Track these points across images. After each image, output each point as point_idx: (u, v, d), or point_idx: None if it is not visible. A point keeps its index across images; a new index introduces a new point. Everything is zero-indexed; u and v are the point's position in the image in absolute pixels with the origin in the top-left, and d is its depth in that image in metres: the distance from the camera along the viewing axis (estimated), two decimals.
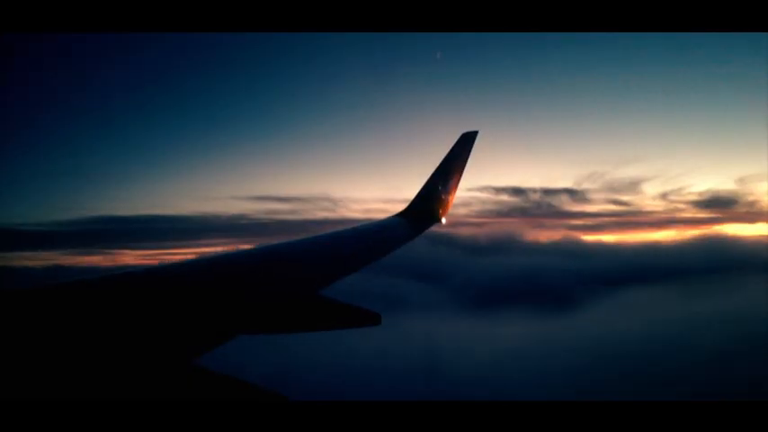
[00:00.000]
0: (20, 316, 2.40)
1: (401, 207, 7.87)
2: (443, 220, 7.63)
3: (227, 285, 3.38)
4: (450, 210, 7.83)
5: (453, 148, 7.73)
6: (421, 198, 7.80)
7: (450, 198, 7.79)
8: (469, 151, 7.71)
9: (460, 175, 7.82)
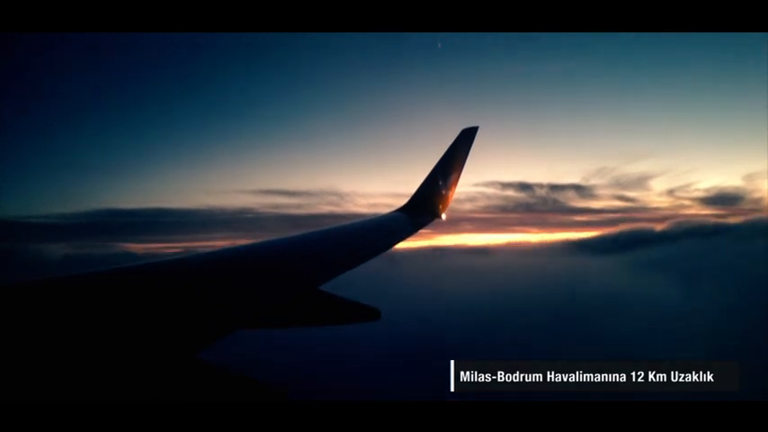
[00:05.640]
0: (17, 311, 2.39)
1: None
2: (443, 216, 7.63)
3: (227, 280, 3.37)
4: (451, 205, 7.84)
5: (453, 143, 7.72)
6: (421, 193, 7.79)
7: (450, 194, 7.78)
8: (470, 147, 7.70)
9: (461, 171, 7.80)
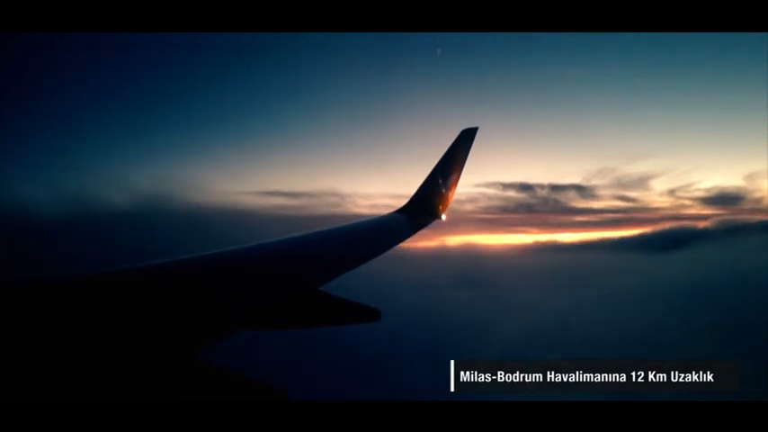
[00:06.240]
0: (18, 310, 2.39)
1: None
2: (443, 217, 7.64)
3: (227, 280, 3.37)
4: (451, 206, 7.84)
5: (453, 144, 7.72)
6: (421, 194, 7.80)
7: (450, 194, 7.79)
8: (470, 147, 7.70)
9: (460, 172, 7.81)
